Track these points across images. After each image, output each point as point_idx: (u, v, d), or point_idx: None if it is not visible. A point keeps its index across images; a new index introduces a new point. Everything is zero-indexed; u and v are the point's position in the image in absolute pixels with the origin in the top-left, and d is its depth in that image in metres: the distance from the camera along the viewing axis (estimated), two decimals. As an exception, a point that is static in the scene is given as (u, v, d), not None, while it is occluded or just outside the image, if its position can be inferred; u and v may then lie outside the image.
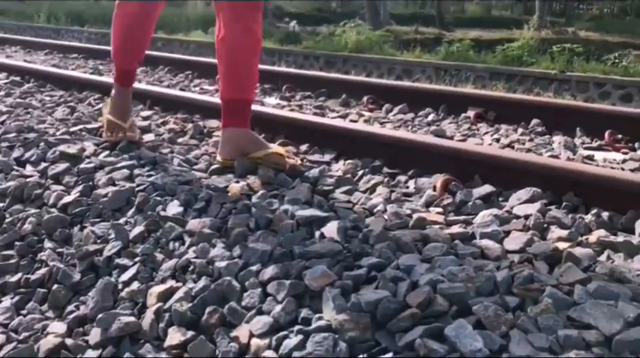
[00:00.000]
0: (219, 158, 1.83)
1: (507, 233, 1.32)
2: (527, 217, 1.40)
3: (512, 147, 2.31)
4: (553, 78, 7.73)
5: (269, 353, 1.05)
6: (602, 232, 1.33)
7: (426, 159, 1.73)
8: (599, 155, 2.22)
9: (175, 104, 2.50)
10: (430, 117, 2.81)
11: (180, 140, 2.10)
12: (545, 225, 1.37)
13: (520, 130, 2.54)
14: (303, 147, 2.02)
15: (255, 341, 1.08)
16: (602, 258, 1.22)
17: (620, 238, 1.29)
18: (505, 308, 1.03)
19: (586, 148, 2.34)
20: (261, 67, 4.15)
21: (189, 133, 2.19)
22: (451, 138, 2.42)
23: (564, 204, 1.48)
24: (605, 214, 1.41)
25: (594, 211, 1.42)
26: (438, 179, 1.63)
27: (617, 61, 8.03)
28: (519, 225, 1.36)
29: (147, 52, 2.20)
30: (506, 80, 7.69)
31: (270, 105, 3.05)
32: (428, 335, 0.97)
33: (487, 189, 1.54)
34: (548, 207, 1.46)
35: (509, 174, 1.58)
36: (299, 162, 1.85)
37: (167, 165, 1.82)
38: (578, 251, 1.21)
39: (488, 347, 0.93)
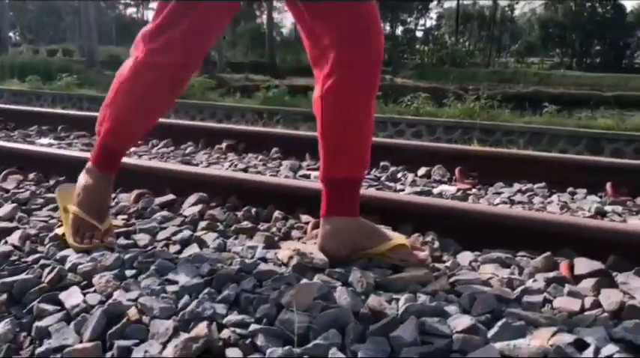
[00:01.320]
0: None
1: (165, 228, 1.64)
2: (192, 216, 1.73)
3: (246, 171, 2.70)
4: (357, 119, 8.58)
5: None
6: (245, 223, 1.70)
7: (128, 177, 2.01)
8: (314, 174, 2.68)
9: None
10: (189, 150, 3.14)
11: None
12: (204, 221, 1.71)
13: (260, 157, 2.96)
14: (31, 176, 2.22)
15: None
16: (231, 240, 1.58)
17: (250, 226, 1.67)
18: (122, 277, 1.32)
19: (308, 169, 2.80)
20: (43, 110, 4.18)
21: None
22: (197, 165, 2.77)
23: (227, 204, 1.85)
24: (253, 210, 1.80)
25: (246, 208, 1.80)
26: (134, 193, 1.92)
27: (409, 103, 9.16)
28: (177, 222, 1.69)
29: None
30: (316, 121, 8.38)
31: (41, 144, 3.19)
32: (46, 300, 1.23)
33: (169, 197, 1.87)
34: (213, 207, 1.82)
35: (189, 184, 1.92)
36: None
37: None
38: (208, 236, 1.56)
39: (89, 303, 1.21)
